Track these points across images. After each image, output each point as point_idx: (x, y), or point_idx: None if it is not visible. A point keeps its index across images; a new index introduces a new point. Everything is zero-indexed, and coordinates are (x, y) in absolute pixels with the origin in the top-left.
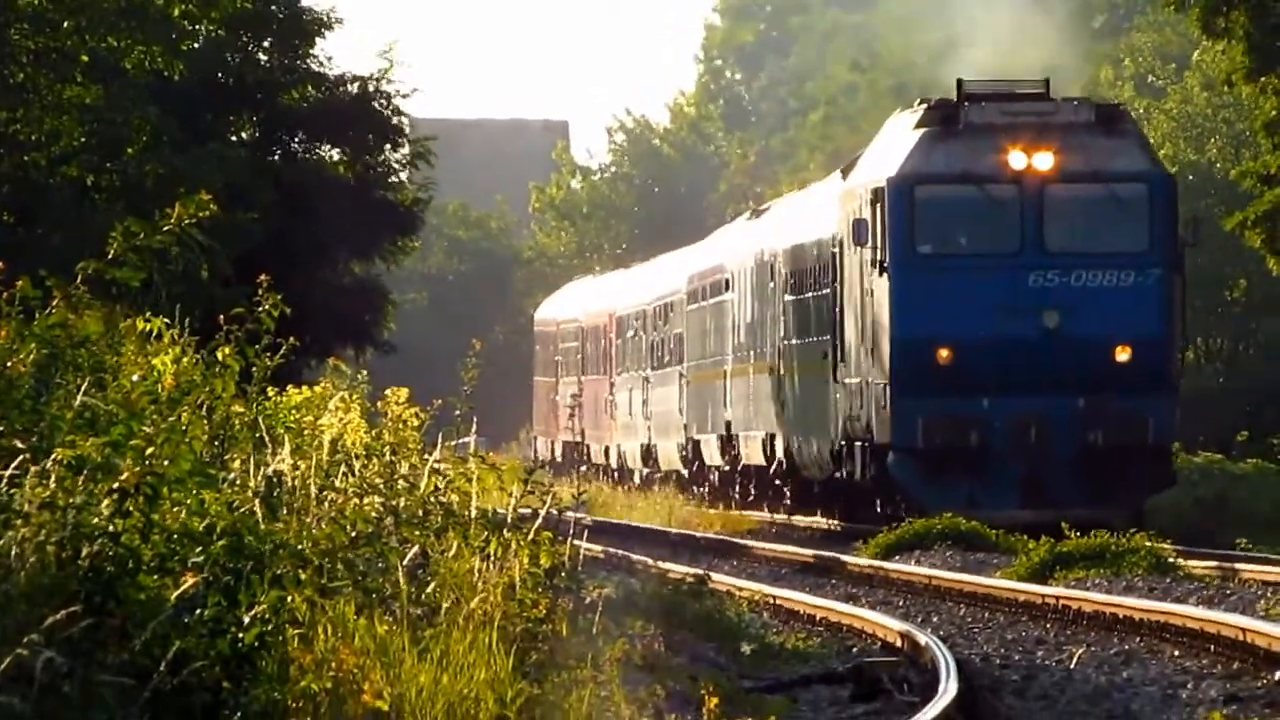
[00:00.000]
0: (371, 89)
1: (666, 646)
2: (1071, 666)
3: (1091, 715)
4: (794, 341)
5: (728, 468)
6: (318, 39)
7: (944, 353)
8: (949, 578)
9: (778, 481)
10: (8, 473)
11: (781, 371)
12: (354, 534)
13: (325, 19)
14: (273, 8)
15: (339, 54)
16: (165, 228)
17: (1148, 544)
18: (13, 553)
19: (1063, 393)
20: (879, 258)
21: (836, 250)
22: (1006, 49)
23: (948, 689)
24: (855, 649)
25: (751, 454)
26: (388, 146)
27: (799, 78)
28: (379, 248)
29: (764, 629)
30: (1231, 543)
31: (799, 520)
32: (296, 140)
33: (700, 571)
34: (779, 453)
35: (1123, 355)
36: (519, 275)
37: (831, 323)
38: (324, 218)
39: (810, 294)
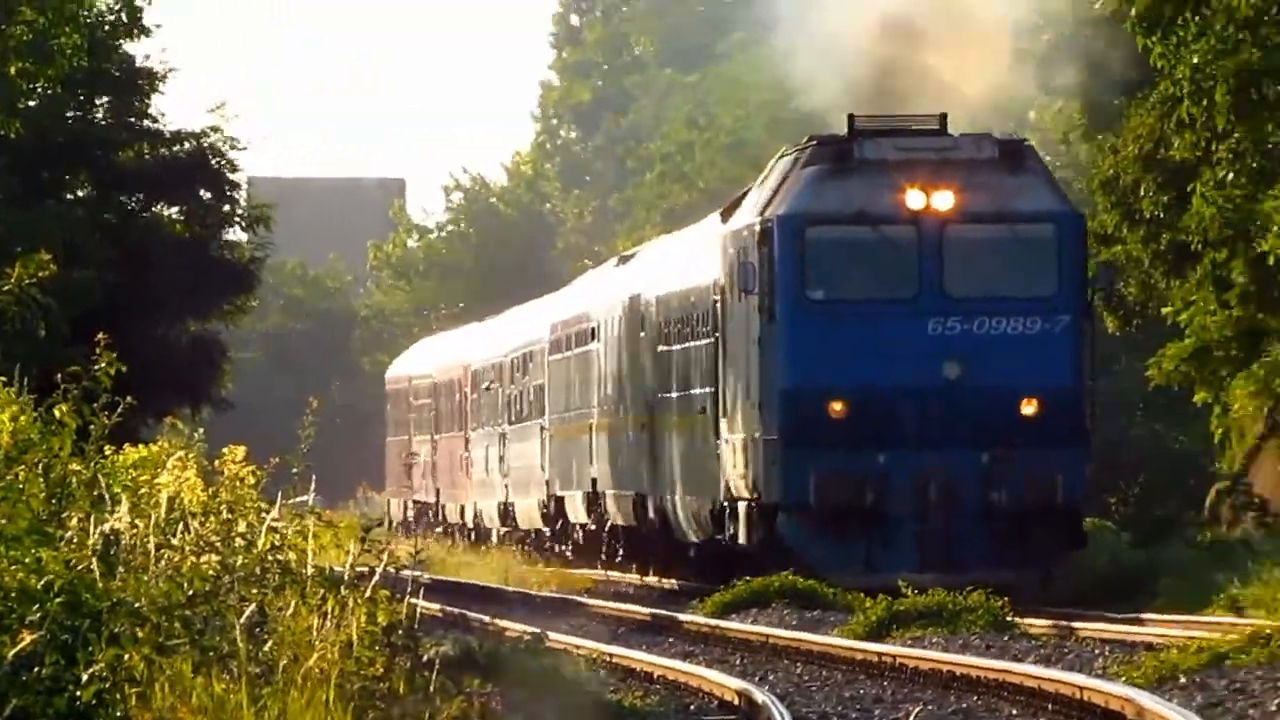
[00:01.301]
0: (206, 145)
1: (504, 705)
2: None
3: None
4: (670, 394)
5: (594, 527)
6: (154, 94)
7: (838, 405)
8: (786, 636)
9: (649, 543)
10: None
11: (655, 426)
12: (191, 592)
13: (159, 72)
14: (109, 67)
15: (176, 112)
16: (4, 287)
17: (985, 602)
18: None
19: (965, 448)
20: (767, 303)
21: (718, 297)
22: (840, 106)
23: None
24: (693, 707)
25: (621, 513)
26: (225, 207)
27: (635, 137)
28: (216, 306)
29: (601, 687)
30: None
31: (636, 579)
32: (134, 198)
33: (537, 630)
34: (651, 512)
35: (1029, 408)
36: (356, 333)
37: (713, 374)
38: (161, 276)
39: (689, 344)
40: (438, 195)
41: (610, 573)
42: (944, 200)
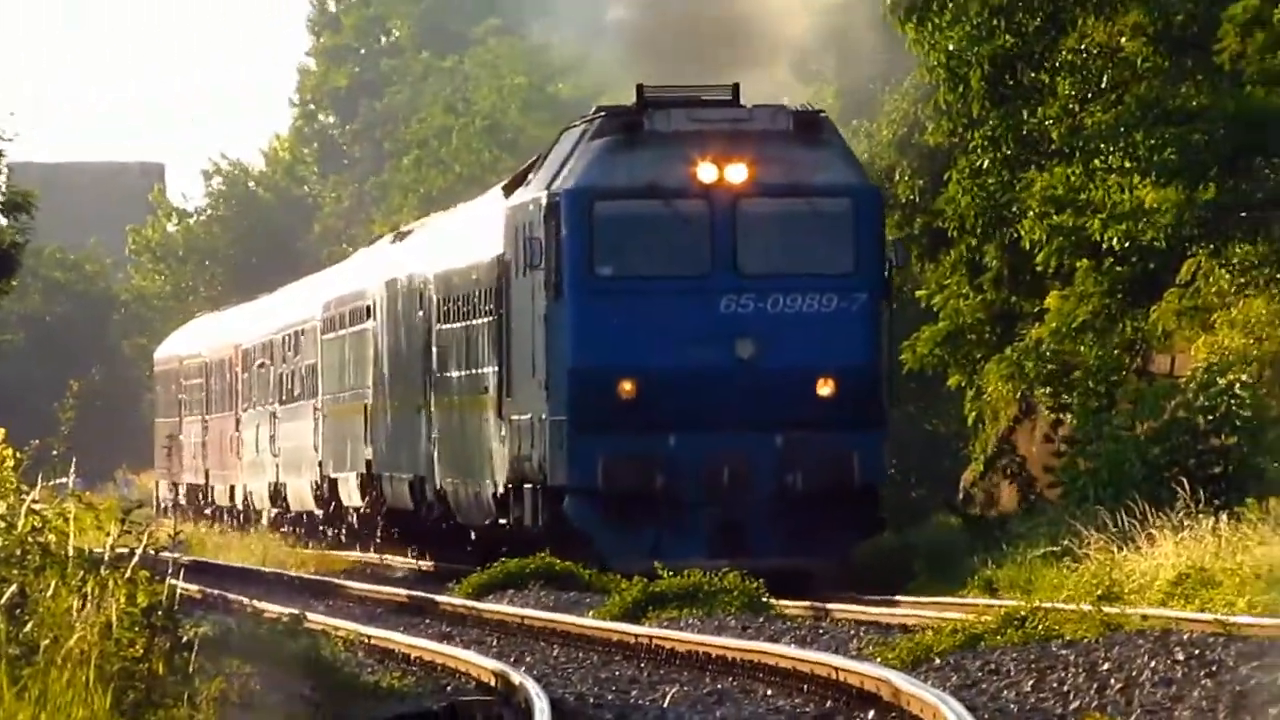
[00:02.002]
0: None
1: (263, 685)
2: (665, 705)
3: None
4: (450, 374)
5: (369, 510)
6: None
7: (626, 385)
8: (542, 617)
9: (428, 526)
10: None
11: (434, 407)
12: None
13: None
14: None
15: None
16: None
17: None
18: None
19: (759, 430)
20: (553, 280)
21: (502, 274)
22: (596, 90)
23: None
24: (449, 688)
25: (397, 496)
26: None
27: (392, 121)
28: None
29: (359, 668)
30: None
31: (403, 561)
32: None
33: (296, 611)
34: (430, 496)
35: (825, 388)
36: (116, 317)
37: (496, 353)
38: None
39: (470, 321)
40: (197, 180)
41: (386, 557)
42: (737, 173)
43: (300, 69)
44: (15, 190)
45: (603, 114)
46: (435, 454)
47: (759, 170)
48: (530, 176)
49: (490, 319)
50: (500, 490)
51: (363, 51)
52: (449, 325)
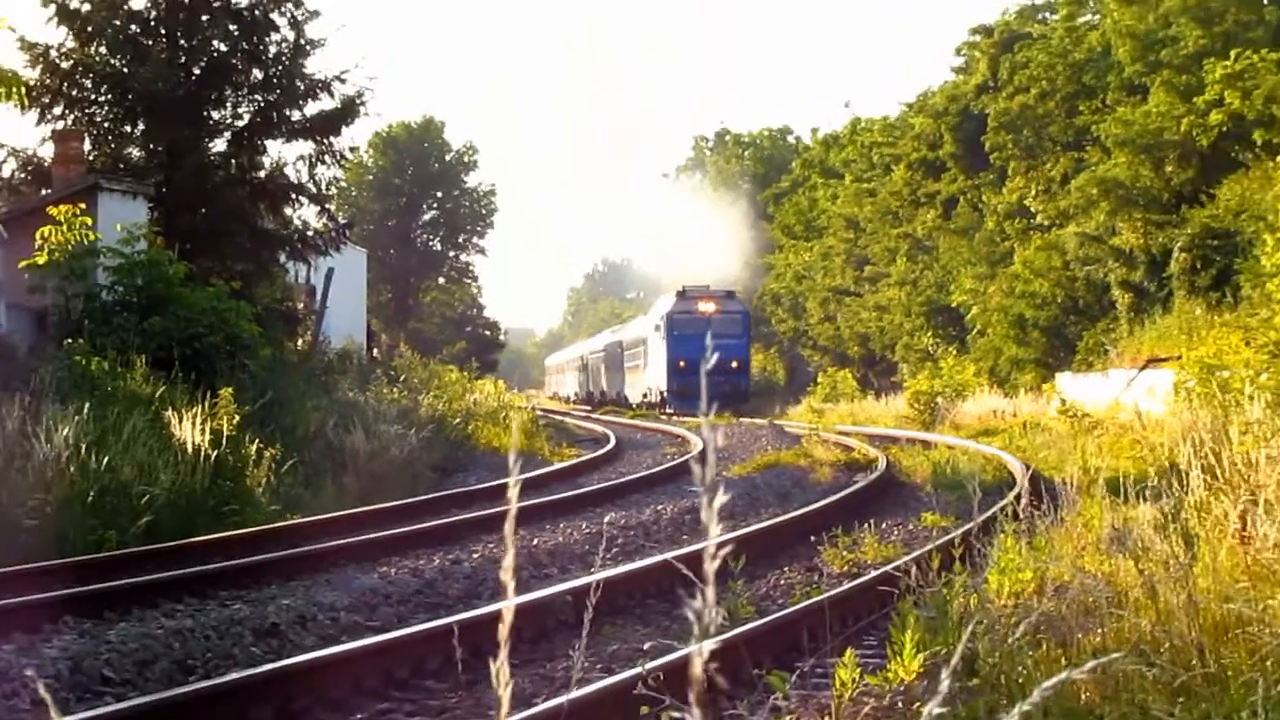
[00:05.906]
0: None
1: (560, 438)
2: (639, 438)
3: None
4: (628, 364)
5: (599, 398)
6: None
7: (682, 364)
8: (614, 419)
9: (616, 403)
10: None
11: (623, 373)
12: (489, 410)
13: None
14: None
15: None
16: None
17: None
18: (422, 418)
19: (720, 375)
20: (663, 335)
21: (647, 337)
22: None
23: (611, 441)
24: (593, 439)
25: (610, 395)
26: (499, 337)
27: (587, 316)
28: (490, 351)
29: (579, 431)
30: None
31: (583, 408)
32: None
33: (563, 415)
34: (619, 396)
35: (735, 365)
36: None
37: (640, 357)
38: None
39: (637, 349)
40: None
41: (579, 407)
42: (710, 308)
43: (569, 295)
44: (504, 334)
45: (676, 292)
46: (623, 385)
47: (718, 306)
48: (652, 310)
49: (640, 348)
50: (644, 395)
51: (580, 302)
52: (630, 350)
